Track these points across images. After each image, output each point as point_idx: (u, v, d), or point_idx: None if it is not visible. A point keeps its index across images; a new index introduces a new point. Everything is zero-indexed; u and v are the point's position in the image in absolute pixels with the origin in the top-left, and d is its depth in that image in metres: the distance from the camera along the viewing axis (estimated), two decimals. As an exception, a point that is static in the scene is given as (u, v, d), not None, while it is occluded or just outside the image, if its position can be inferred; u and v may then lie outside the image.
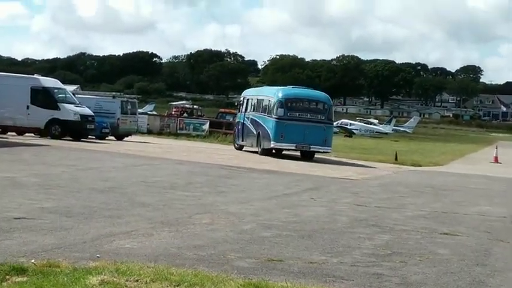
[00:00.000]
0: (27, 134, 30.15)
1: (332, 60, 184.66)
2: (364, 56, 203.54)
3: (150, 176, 16.34)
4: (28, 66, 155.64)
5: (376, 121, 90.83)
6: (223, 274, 6.73)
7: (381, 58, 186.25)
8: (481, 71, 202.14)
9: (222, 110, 57.43)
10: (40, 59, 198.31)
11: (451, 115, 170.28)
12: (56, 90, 30.51)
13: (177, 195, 12.99)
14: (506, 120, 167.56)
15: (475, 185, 21.56)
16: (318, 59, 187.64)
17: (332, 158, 29.89)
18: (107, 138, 33.22)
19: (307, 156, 28.48)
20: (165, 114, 56.56)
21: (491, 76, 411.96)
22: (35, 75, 32.70)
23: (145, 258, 7.27)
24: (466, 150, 51.20)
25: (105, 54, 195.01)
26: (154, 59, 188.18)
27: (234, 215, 11.03)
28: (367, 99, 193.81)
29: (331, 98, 30.83)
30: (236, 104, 43.65)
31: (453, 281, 7.44)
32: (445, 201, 16.04)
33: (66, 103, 30.02)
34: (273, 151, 28.42)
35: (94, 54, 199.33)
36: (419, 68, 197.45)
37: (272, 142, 27.60)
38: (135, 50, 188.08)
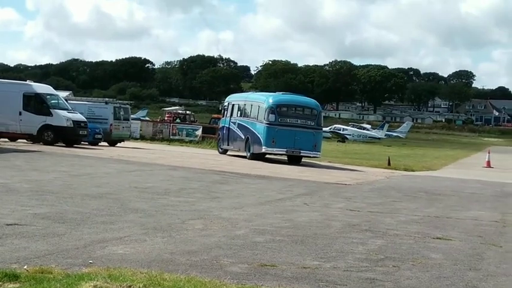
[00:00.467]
0: (19, 140, 30.05)
1: (325, 65, 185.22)
2: (357, 61, 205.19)
3: (143, 182, 16.30)
4: (20, 72, 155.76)
5: (368, 126, 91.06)
6: (217, 279, 6.72)
7: (373, 63, 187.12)
8: (474, 76, 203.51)
9: (215, 115, 57.32)
10: (33, 65, 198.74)
11: (443, 120, 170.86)
12: (48, 96, 30.42)
13: (170, 201, 12.97)
14: (498, 125, 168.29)
15: (468, 189, 21.62)
16: (311, 64, 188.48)
17: (325, 163, 29.97)
18: (99, 144, 33.22)
19: (294, 160, 28.83)
20: (158, 120, 56.59)
21: (484, 81, 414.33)
22: (28, 81, 32.62)
23: (138, 264, 7.26)
24: (459, 155, 51.38)
25: (98, 60, 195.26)
26: (147, 65, 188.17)
27: (227, 220, 11.02)
28: (360, 104, 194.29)
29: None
30: (220, 108, 43.71)
31: (446, 285, 7.45)
32: (438, 205, 16.08)
33: (59, 109, 29.95)
34: (266, 155, 28.87)
35: (87, 60, 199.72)
36: (411, 73, 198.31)
37: (263, 147, 28.02)
38: (128, 56, 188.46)
